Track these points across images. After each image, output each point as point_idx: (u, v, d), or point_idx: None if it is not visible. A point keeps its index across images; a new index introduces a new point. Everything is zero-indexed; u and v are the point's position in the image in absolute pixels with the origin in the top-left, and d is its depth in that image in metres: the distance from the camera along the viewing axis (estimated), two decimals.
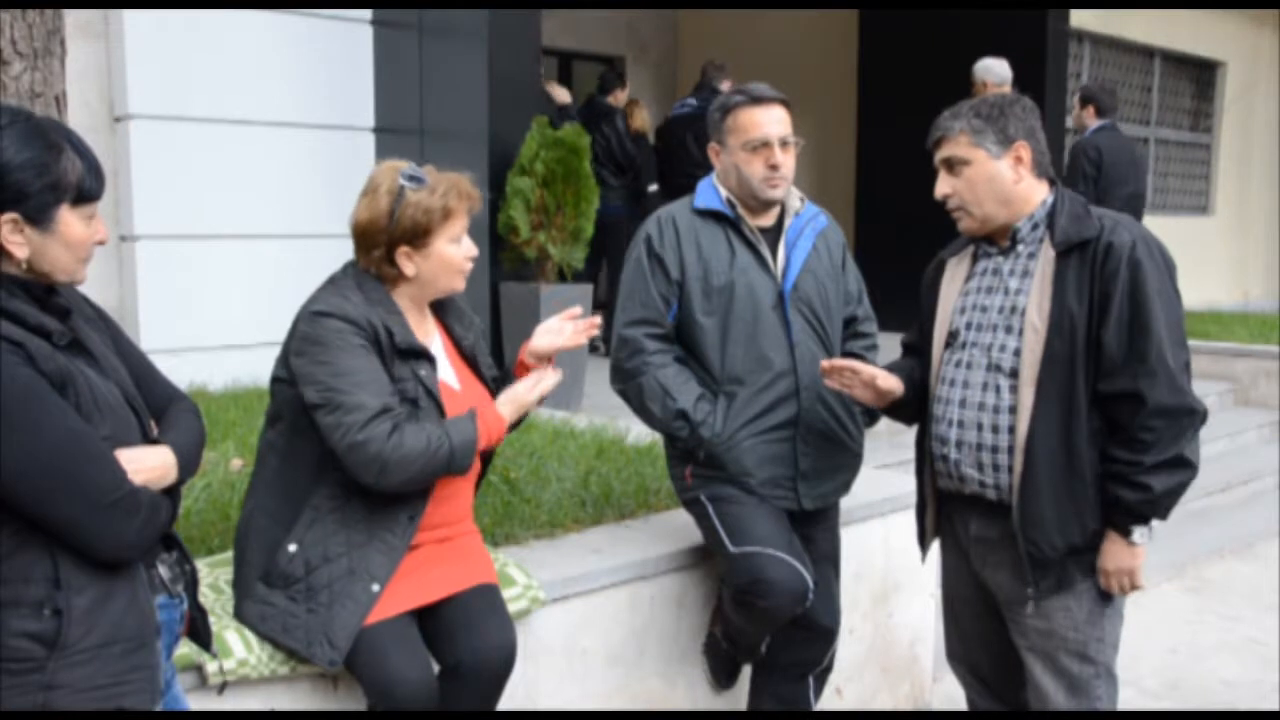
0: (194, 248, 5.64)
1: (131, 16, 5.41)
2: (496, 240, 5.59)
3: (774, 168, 2.91)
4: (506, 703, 2.57)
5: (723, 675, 3.35)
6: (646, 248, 3.00)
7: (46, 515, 1.67)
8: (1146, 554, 2.43)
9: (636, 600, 3.18)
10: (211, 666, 2.32)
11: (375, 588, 2.37)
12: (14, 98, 2.79)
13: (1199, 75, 12.17)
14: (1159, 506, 2.35)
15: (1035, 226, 2.46)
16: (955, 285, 2.60)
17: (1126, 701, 3.81)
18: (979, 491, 2.52)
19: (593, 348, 6.62)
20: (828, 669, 3.15)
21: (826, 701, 3.22)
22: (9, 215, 1.70)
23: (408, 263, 2.41)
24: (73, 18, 4.97)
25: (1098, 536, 2.42)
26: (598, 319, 2.71)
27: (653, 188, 8.02)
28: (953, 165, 2.47)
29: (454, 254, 2.45)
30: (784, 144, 2.93)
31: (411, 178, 2.41)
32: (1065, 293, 2.37)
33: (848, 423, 3.04)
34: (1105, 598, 2.48)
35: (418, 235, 2.39)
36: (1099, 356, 2.35)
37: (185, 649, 2.20)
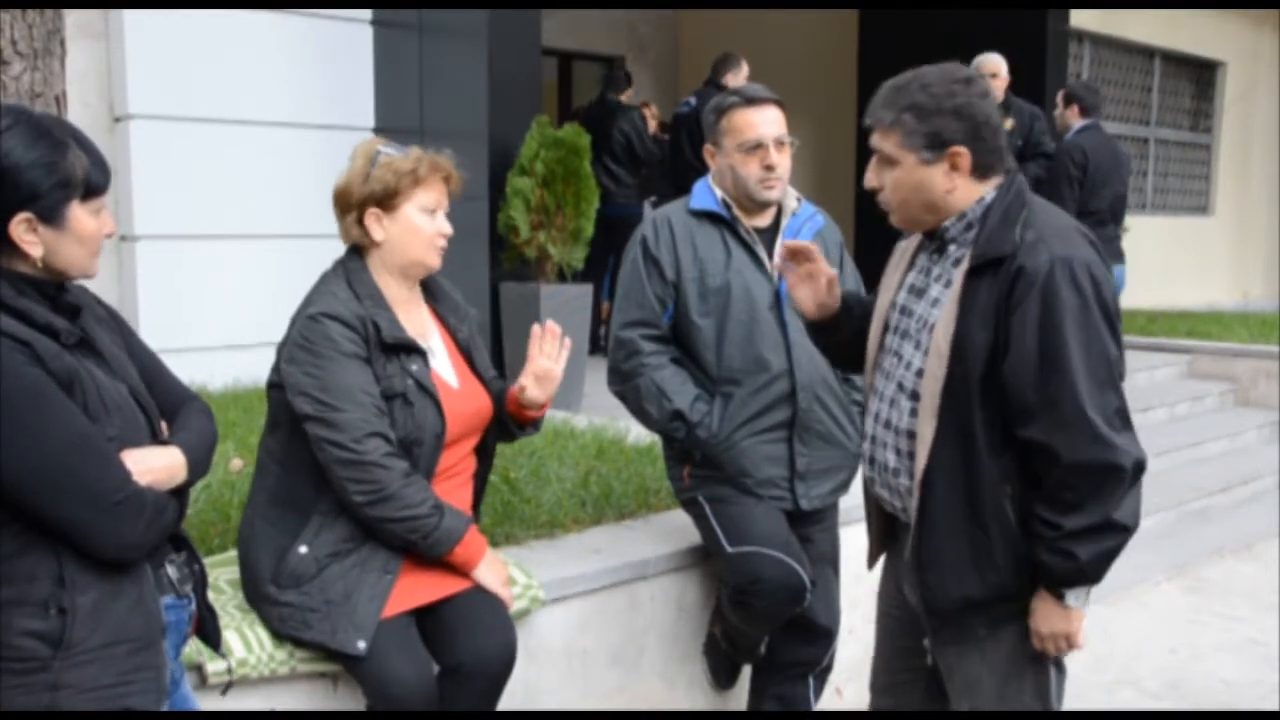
0: (194, 248, 5.64)
1: (131, 16, 5.41)
2: (496, 240, 5.58)
3: (769, 168, 2.92)
4: (506, 703, 2.57)
5: (722, 675, 3.35)
6: (642, 249, 3.01)
7: (50, 515, 1.67)
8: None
9: (636, 600, 3.18)
10: (216, 666, 2.33)
11: (388, 576, 2.40)
12: (14, 98, 2.79)
13: (1199, 75, 12.17)
14: (1086, 574, 2.04)
15: (969, 227, 2.12)
16: (895, 278, 2.29)
17: (1126, 702, 3.81)
18: (895, 513, 2.30)
19: (593, 349, 6.62)
20: (827, 669, 3.15)
21: (826, 701, 3.23)
22: (22, 215, 1.71)
23: (376, 225, 2.43)
24: (73, 18, 4.97)
25: (1003, 589, 2.11)
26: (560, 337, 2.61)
27: None
28: (882, 159, 2.16)
29: (423, 224, 2.45)
30: (779, 144, 2.93)
31: (390, 147, 2.46)
32: (970, 317, 2.04)
33: (845, 423, 3.04)
34: (1029, 650, 2.16)
35: (387, 196, 2.41)
36: (1005, 396, 2.02)
37: (187, 648, 2.20)
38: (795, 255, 2.40)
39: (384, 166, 2.42)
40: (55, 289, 1.79)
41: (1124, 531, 2.03)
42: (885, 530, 2.40)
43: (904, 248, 2.33)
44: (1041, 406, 1.99)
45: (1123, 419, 2.02)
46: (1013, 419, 2.03)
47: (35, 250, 1.73)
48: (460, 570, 2.49)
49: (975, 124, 2.07)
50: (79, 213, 1.76)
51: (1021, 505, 2.07)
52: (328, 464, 2.33)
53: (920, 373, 2.13)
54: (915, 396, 2.14)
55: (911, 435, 2.16)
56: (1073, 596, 2.07)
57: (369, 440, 2.32)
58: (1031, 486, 2.06)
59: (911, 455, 2.16)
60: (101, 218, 1.81)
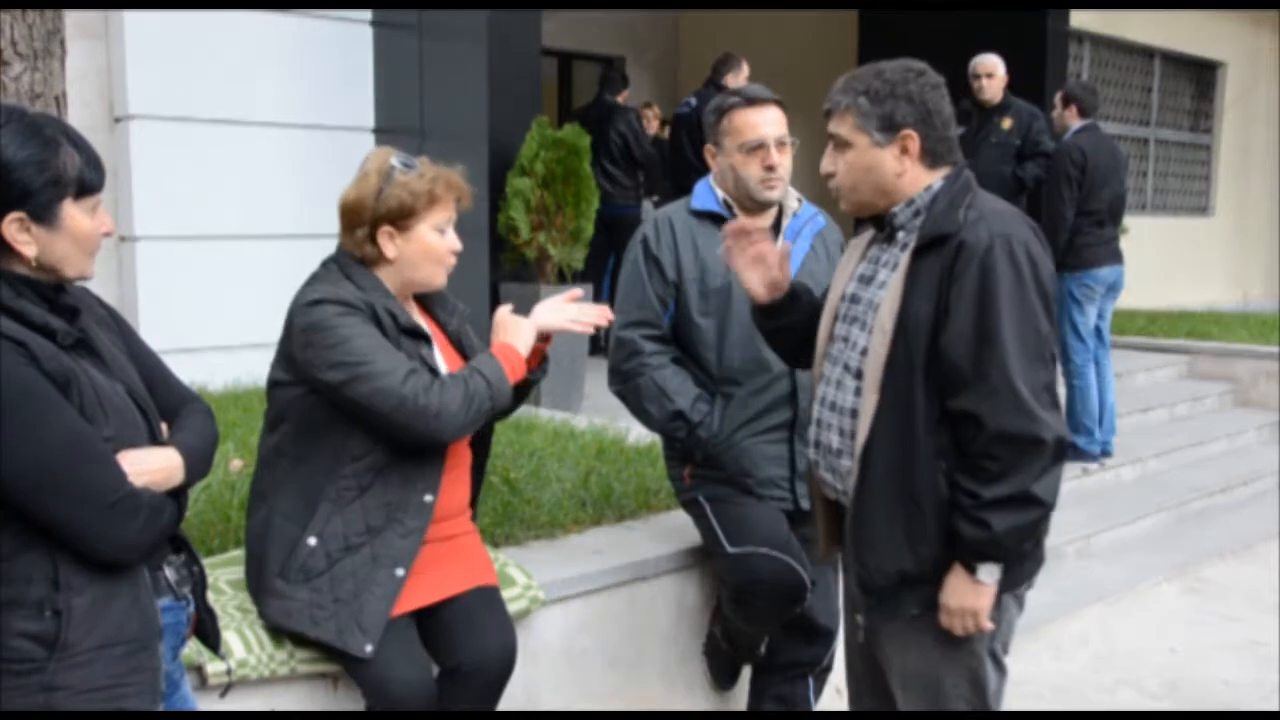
0: (194, 248, 5.64)
1: (131, 16, 5.41)
2: (496, 240, 5.58)
3: (770, 168, 2.92)
4: (506, 703, 2.57)
5: (723, 676, 3.35)
6: (643, 249, 3.01)
7: (45, 515, 1.67)
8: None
9: (636, 601, 3.18)
10: (216, 667, 2.32)
11: (400, 572, 2.39)
12: (14, 98, 2.79)
13: (1199, 75, 12.17)
14: (1001, 547, 2.06)
15: (917, 214, 2.19)
16: (847, 270, 2.36)
17: (1126, 702, 3.81)
18: (837, 497, 2.32)
19: (593, 349, 6.63)
20: (827, 669, 3.15)
21: (826, 701, 3.23)
22: (15, 214, 1.69)
23: (389, 243, 2.42)
24: (73, 18, 4.97)
25: (939, 566, 2.12)
26: (608, 309, 2.64)
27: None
28: (837, 143, 2.22)
29: (436, 242, 2.45)
30: (779, 144, 2.93)
31: (403, 162, 2.44)
32: (914, 293, 2.11)
33: None
34: (978, 634, 2.16)
35: (402, 215, 2.41)
36: (942, 369, 2.07)
37: (187, 649, 2.20)
38: (739, 236, 2.43)
39: (399, 185, 2.40)
40: (54, 290, 1.78)
41: (1041, 506, 2.06)
42: (833, 521, 2.41)
43: (856, 244, 2.39)
44: (973, 376, 2.04)
45: (1050, 395, 2.07)
46: (947, 391, 2.08)
47: (29, 250, 1.72)
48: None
49: (927, 111, 2.16)
50: (73, 211, 1.74)
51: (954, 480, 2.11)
52: (380, 417, 2.31)
53: (865, 351, 2.18)
54: (859, 375, 2.19)
55: (855, 414, 2.20)
56: (985, 572, 2.09)
57: (411, 379, 2.31)
58: (957, 459, 2.10)
59: (854, 435, 2.19)
60: (98, 216, 1.79)
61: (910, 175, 2.18)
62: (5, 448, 1.62)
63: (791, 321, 2.47)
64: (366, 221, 2.42)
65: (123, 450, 1.77)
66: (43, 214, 1.71)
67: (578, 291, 2.63)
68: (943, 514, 2.11)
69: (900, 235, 2.22)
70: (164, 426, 1.92)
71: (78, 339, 1.79)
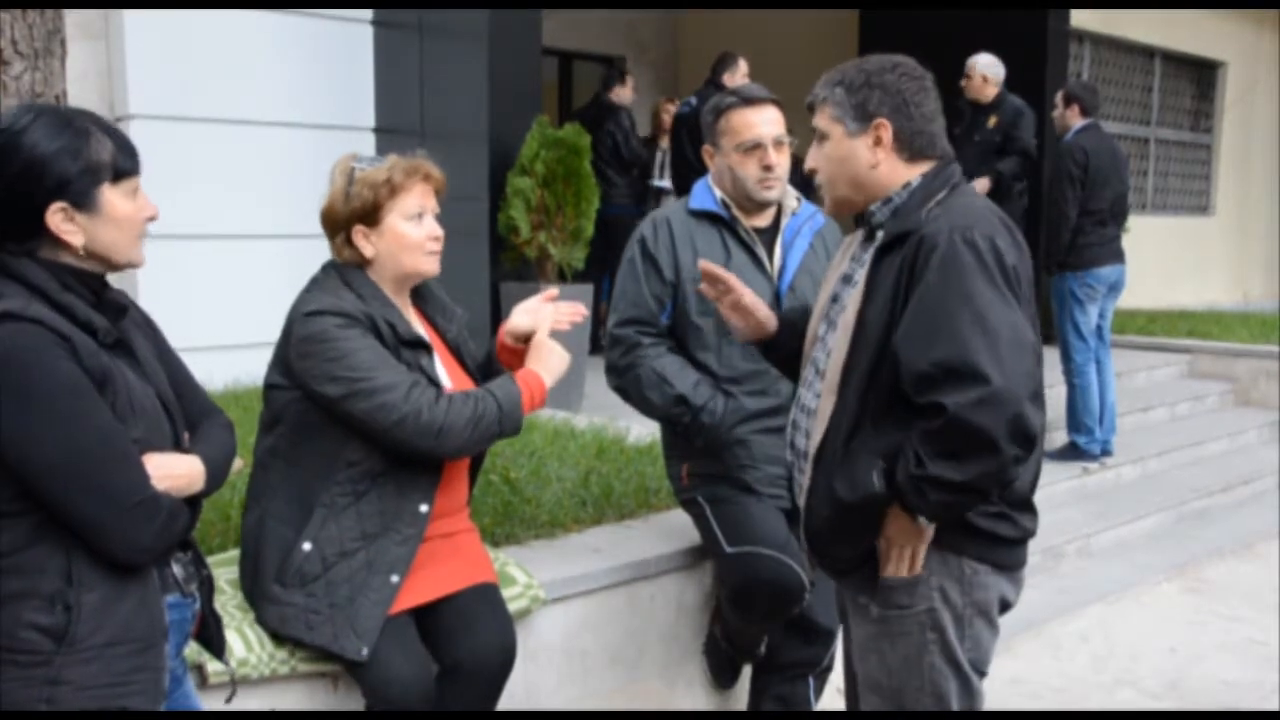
0: (194, 248, 5.64)
1: (131, 16, 5.41)
2: (497, 240, 5.59)
3: (768, 168, 2.92)
4: (506, 703, 2.57)
5: (723, 675, 3.35)
6: (641, 249, 3.01)
7: (67, 509, 1.68)
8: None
9: (636, 600, 3.18)
10: (217, 666, 2.32)
11: (394, 579, 2.39)
12: (14, 98, 2.79)
13: (1199, 75, 12.16)
14: (930, 515, 2.00)
15: (895, 212, 2.12)
16: (835, 273, 2.29)
17: (1126, 702, 3.81)
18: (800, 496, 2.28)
19: (593, 348, 6.62)
20: (828, 669, 3.15)
21: (827, 702, 3.23)
22: (57, 205, 1.73)
23: (365, 243, 2.42)
24: (73, 18, 4.97)
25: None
26: (582, 307, 2.64)
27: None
28: (818, 137, 2.18)
29: (409, 231, 2.43)
30: (777, 144, 2.93)
31: (365, 162, 2.45)
32: (874, 292, 2.05)
33: None
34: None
35: (368, 212, 2.40)
36: (897, 368, 1.98)
37: (187, 649, 2.20)
38: (711, 280, 2.43)
39: (360, 182, 2.40)
40: (100, 284, 1.81)
41: (978, 495, 1.97)
42: None
43: (846, 243, 2.34)
44: (935, 364, 1.91)
45: (1037, 399, 1.93)
46: (911, 388, 1.96)
47: (76, 239, 1.75)
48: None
49: (902, 101, 2.10)
50: (112, 196, 1.78)
51: (890, 476, 2.01)
52: (380, 432, 2.31)
53: (830, 351, 2.15)
54: (822, 375, 2.17)
55: (816, 414, 2.16)
56: (923, 520, 2.02)
57: (414, 392, 2.31)
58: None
59: (810, 435, 2.18)
60: (138, 200, 1.83)
61: (886, 168, 2.11)
62: (38, 439, 1.64)
63: (792, 350, 2.41)
64: (340, 225, 2.43)
65: (148, 452, 1.78)
66: (83, 201, 1.75)
67: (554, 291, 2.63)
68: (873, 510, 2.04)
69: (879, 234, 2.14)
70: (185, 435, 1.94)
71: (117, 339, 1.81)
